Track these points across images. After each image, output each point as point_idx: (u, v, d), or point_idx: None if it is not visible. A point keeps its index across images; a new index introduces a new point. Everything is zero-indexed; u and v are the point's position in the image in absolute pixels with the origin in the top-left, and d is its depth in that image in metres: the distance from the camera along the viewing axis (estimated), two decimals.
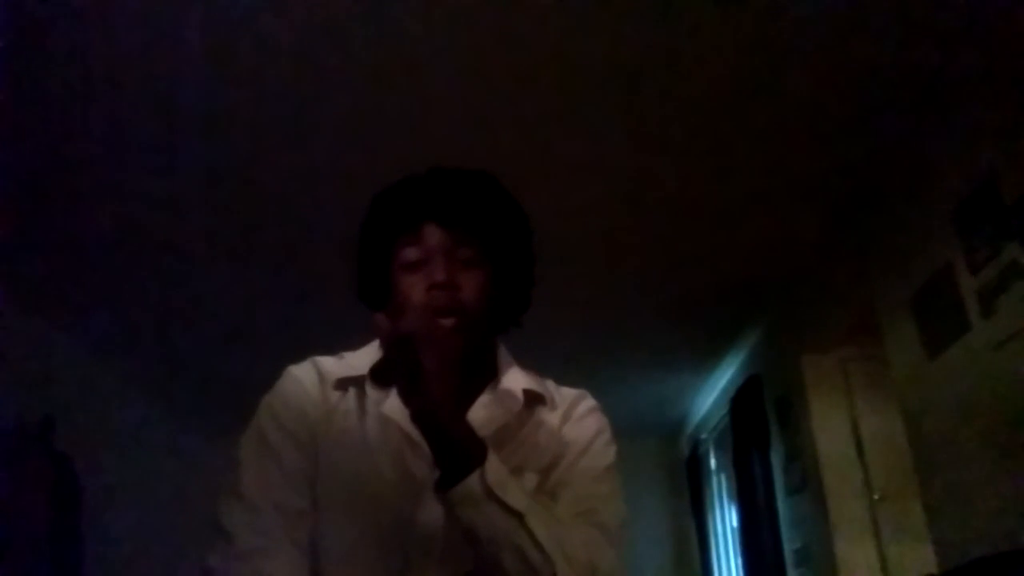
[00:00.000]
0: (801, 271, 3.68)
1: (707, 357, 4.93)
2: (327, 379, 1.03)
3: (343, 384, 1.03)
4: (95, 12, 2.20)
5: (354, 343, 1.08)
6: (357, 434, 1.00)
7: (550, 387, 1.10)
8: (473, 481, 0.86)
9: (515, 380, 1.06)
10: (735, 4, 2.24)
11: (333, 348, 1.09)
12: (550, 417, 1.06)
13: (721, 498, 5.46)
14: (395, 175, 1.06)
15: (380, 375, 0.94)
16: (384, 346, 0.88)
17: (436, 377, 0.86)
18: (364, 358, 1.05)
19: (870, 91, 2.59)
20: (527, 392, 1.05)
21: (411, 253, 0.99)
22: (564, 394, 1.11)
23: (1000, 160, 2.32)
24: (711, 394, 5.40)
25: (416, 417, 0.88)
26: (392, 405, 1.00)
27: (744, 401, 4.42)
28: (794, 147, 2.88)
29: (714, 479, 5.59)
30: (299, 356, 1.07)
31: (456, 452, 0.87)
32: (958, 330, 2.49)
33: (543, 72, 2.51)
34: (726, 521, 5.38)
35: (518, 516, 0.87)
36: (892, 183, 2.94)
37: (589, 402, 1.11)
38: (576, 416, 1.07)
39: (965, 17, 2.27)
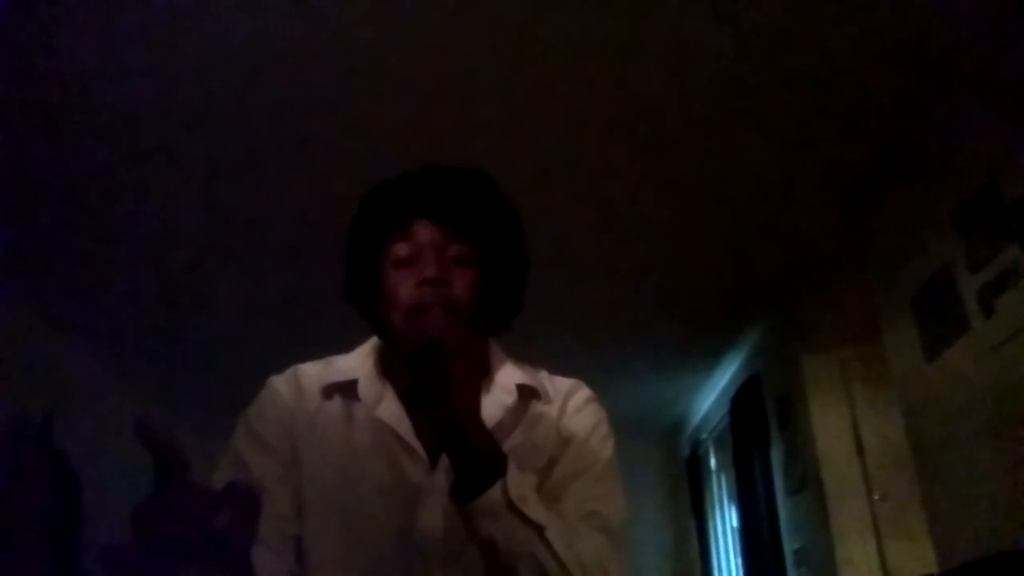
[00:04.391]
0: (801, 271, 3.68)
1: (707, 357, 4.93)
2: (308, 387, 1.01)
3: (329, 391, 1.01)
4: (97, 15, 2.20)
5: (354, 343, 1.08)
6: (344, 441, 0.98)
7: (543, 379, 1.08)
8: (495, 493, 0.83)
9: (508, 376, 1.04)
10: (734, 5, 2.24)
11: (333, 349, 1.09)
12: (546, 411, 1.04)
13: (721, 498, 5.46)
14: (395, 173, 1.06)
15: (412, 392, 0.90)
16: (408, 352, 0.86)
17: (464, 384, 0.84)
18: (353, 362, 1.04)
19: (870, 91, 2.59)
20: (520, 387, 1.03)
21: (401, 249, 0.97)
22: (558, 385, 1.09)
23: (1000, 160, 2.32)
24: (711, 394, 5.40)
25: (444, 427, 0.85)
26: (385, 409, 0.98)
27: (744, 401, 4.42)
28: (794, 147, 2.88)
29: (714, 479, 5.59)
30: (300, 356, 1.07)
31: (479, 463, 0.85)
32: (958, 330, 2.49)
33: (542, 71, 2.51)
34: (726, 521, 5.38)
35: (538, 529, 0.85)
36: (892, 183, 2.94)
37: (584, 392, 1.09)
38: (572, 409, 1.06)
39: (966, 17, 2.27)
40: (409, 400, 0.96)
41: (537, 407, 1.04)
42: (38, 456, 3.61)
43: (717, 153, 2.91)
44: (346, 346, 1.08)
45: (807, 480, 3.72)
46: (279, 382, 1.03)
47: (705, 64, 2.48)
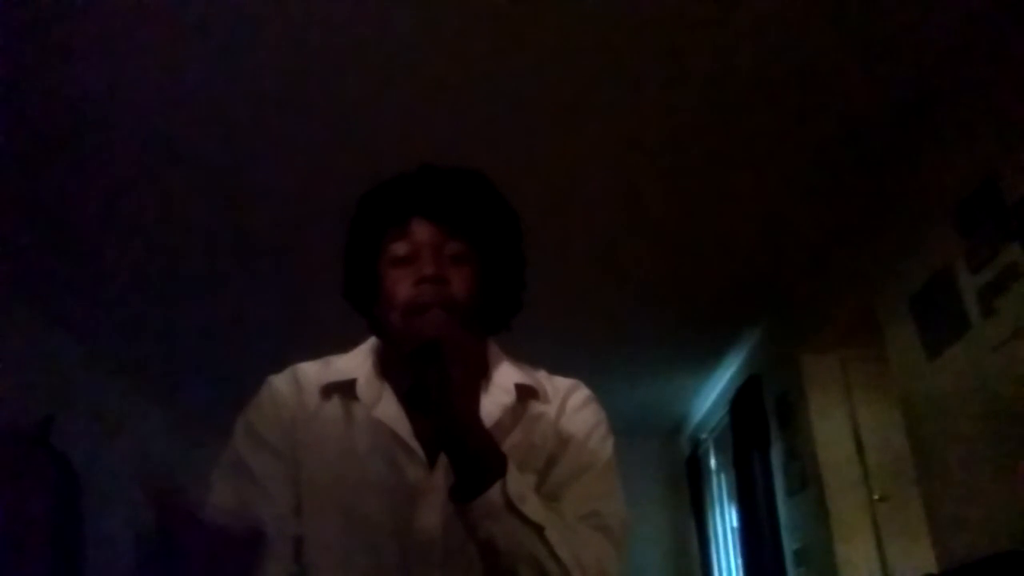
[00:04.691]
0: (801, 271, 3.68)
1: (707, 357, 4.93)
2: (307, 387, 1.01)
3: (328, 391, 1.01)
4: (95, 7, 2.20)
5: (353, 343, 1.08)
6: (343, 441, 0.98)
7: (542, 379, 1.08)
8: (494, 494, 0.84)
9: (506, 375, 1.04)
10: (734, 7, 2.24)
11: (333, 348, 1.09)
12: (545, 410, 1.04)
13: (721, 498, 5.46)
14: (394, 174, 1.06)
15: (411, 392, 0.89)
16: (409, 354, 0.86)
17: (463, 384, 0.84)
18: (352, 362, 1.04)
19: (870, 91, 2.59)
20: (519, 387, 1.03)
21: (399, 248, 0.97)
22: (557, 384, 1.09)
23: (1000, 160, 2.32)
24: (711, 394, 5.40)
25: (443, 427, 0.85)
26: (384, 410, 0.98)
27: (744, 401, 4.42)
28: (794, 147, 2.88)
29: (714, 479, 5.58)
30: (300, 356, 1.07)
31: (479, 463, 0.85)
32: (958, 330, 2.49)
33: (544, 74, 2.51)
34: (726, 521, 5.38)
35: (538, 529, 0.85)
36: (892, 183, 2.94)
37: (583, 392, 1.09)
38: (571, 408, 1.06)
39: (965, 17, 2.27)
40: (408, 400, 0.96)
41: (536, 407, 1.04)
42: (38, 457, 3.61)
43: (717, 152, 2.91)
44: (345, 346, 1.08)
45: (807, 480, 3.72)
46: (278, 381, 1.03)
47: (706, 67, 2.48)
